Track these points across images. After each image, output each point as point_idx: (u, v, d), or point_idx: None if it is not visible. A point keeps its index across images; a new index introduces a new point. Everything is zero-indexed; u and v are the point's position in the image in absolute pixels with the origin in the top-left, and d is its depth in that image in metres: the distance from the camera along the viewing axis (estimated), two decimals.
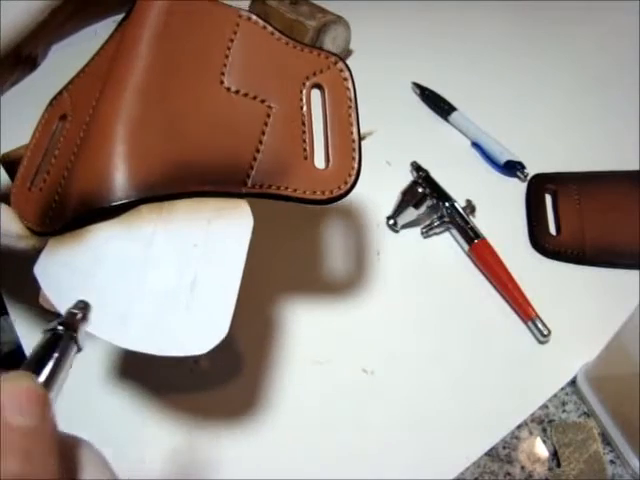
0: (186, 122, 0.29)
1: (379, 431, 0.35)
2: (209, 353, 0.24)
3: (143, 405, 0.36)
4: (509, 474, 0.33)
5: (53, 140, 0.31)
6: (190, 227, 0.27)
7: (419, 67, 0.55)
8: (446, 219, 0.43)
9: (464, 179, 0.46)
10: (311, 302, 0.40)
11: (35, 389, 0.17)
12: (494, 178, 0.47)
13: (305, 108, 0.31)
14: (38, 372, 0.19)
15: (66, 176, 0.29)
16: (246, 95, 0.30)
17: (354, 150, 0.30)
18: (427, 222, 0.43)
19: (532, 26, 0.60)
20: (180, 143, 0.28)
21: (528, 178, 0.46)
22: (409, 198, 0.43)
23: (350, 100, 0.31)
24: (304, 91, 0.31)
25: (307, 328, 0.39)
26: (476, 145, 0.49)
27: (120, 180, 0.27)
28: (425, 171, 0.45)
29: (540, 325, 0.37)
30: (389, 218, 0.43)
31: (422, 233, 0.43)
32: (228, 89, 0.30)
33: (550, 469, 0.33)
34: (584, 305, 0.39)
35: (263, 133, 0.30)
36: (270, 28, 0.32)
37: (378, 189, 0.45)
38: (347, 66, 0.32)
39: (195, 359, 0.38)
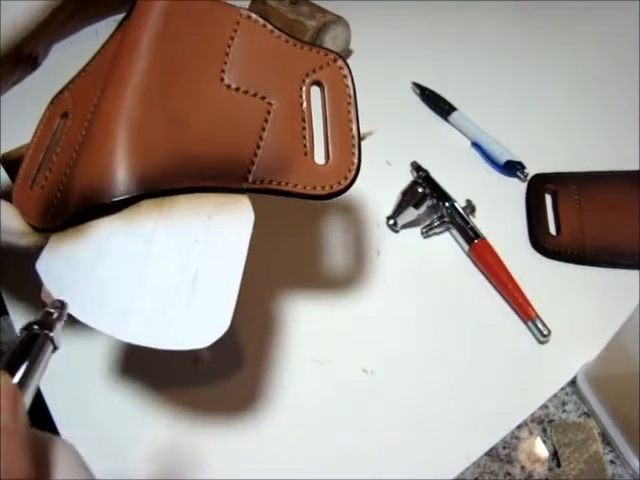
0: (187, 119, 0.29)
1: (379, 431, 0.35)
2: (210, 349, 0.25)
3: (143, 401, 0.36)
4: (509, 474, 0.33)
5: (55, 138, 0.32)
6: (191, 222, 0.27)
7: (419, 67, 0.55)
8: (446, 219, 0.43)
9: (464, 179, 0.46)
10: (311, 301, 0.40)
11: (8, 388, 0.17)
12: (494, 178, 0.47)
13: (305, 105, 0.31)
14: (13, 371, 0.19)
15: (68, 173, 0.29)
16: (246, 92, 0.31)
17: (354, 146, 0.30)
18: (427, 222, 0.43)
19: (532, 26, 0.60)
20: (181, 139, 0.29)
21: (528, 178, 0.46)
22: (409, 198, 0.43)
23: (349, 97, 0.31)
24: (304, 88, 0.31)
25: (307, 327, 0.39)
26: (476, 145, 0.49)
27: (121, 176, 0.27)
28: (425, 171, 0.45)
29: (540, 325, 0.37)
30: (389, 218, 0.43)
31: (422, 233, 0.43)
32: (229, 86, 0.30)
33: (550, 469, 0.33)
34: (584, 305, 0.39)
35: (263, 129, 0.30)
36: (270, 26, 0.32)
37: (378, 189, 0.45)
38: (346, 63, 0.32)
39: (195, 359, 0.38)
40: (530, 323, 0.38)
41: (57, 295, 0.26)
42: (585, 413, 0.35)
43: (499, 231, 0.42)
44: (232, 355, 0.38)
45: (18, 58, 0.30)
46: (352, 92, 0.32)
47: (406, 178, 0.45)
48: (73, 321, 0.25)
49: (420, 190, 0.43)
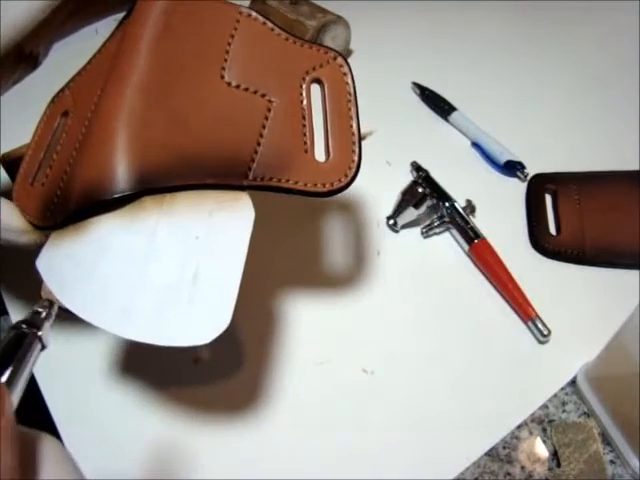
0: (188, 117, 0.29)
1: (379, 431, 0.35)
2: (210, 347, 0.25)
3: (144, 400, 0.36)
4: (509, 474, 0.33)
5: (55, 136, 0.32)
6: (192, 219, 0.27)
7: (419, 67, 0.55)
8: (446, 219, 0.43)
9: (464, 179, 0.46)
10: (311, 301, 0.40)
11: None
12: (494, 178, 0.47)
13: (305, 102, 0.31)
14: (1, 370, 0.20)
15: (68, 171, 0.29)
16: (247, 90, 0.31)
17: (354, 143, 0.30)
18: (427, 222, 0.43)
19: (532, 26, 0.60)
20: (182, 137, 0.29)
21: (528, 178, 0.46)
22: (409, 198, 0.43)
23: (349, 94, 0.31)
24: (304, 85, 0.31)
25: (307, 327, 0.39)
26: (476, 145, 0.49)
27: (122, 172, 0.27)
28: (425, 171, 0.45)
29: (540, 325, 0.37)
30: (389, 218, 0.43)
31: (422, 233, 0.43)
32: (229, 84, 0.30)
33: (550, 469, 0.33)
34: (584, 305, 0.39)
35: (264, 127, 0.30)
36: (270, 24, 0.32)
37: (378, 189, 0.45)
38: (346, 61, 0.32)
39: (196, 359, 0.38)
40: (530, 323, 0.38)
41: (58, 293, 0.26)
42: (585, 413, 0.35)
43: (499, 231, 0.42)
44: (232, 355, 0.38)
45: (19, 57, 0.30)
46: (352, 90, 0.32)
47: (406, 178, 0.45)
48: (74, 319, 0.26)
49: (420, 190, 0.43)
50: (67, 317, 0.26)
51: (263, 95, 0.31)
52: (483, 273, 0.41)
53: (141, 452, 0.34)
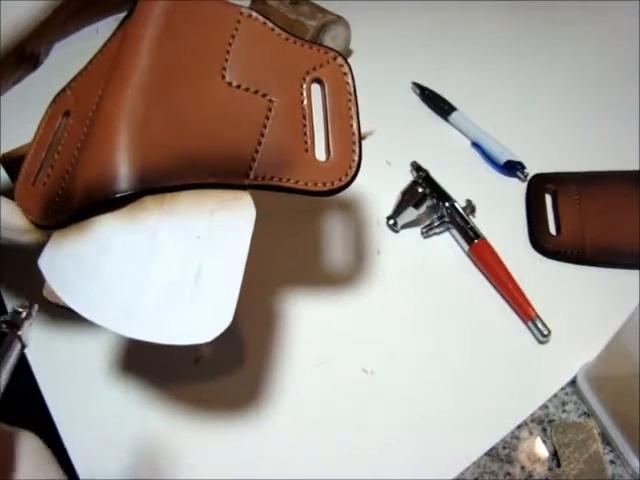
0: (189, 117, 0.29)
1: (379, 431, 0.35)
2: (211, 346, 0.25)
3: (144, 399, 0.36)
4: (509, 474, 0.33)
5: (56, 136, 0.32)
6: (193, 219, 0.28)
7: (419, 67, 0.55)
8: (446, 219, 0.43)
9: (464, 179, 0.46)
10: (312, 301, 0.40)
11: None
12: (494, 178, 0.47)
13: (306, 102, 0.31)
14: None
15: (70, 170, 0.29)
16: (247, 89, 0.31)
17: (354, 143, 0.30)
18: (427, 222, 0.43)
19: (533, 27, 0.60)
20: (183, 136, 0.29)
21: (528, 178, 0.46)
22: (409, 198, 0.43)
23: (350, 94, 0.32)
24: (304, 85, 0.32)
25: (308, 326, 0.39)
26: (476, 145, 0.49)
27: (124, 172, 0.27)
28: (425, 171, 0.45)
29: (540, 325, 0.37)
30: (389, 218, 0.43)
31: (422, 233, 0.43)
32: (230, 84, 0.31)
33: (550, 469, 0.33)
34: (584, 305, 0.39)
35: (265, 126, 0.30)
36: (270, 24, 0.32)
37: (378, 189, 0.45)
38: (346, 61, 0.32)
39: (197, 358, 0.38)
40: (530, 323, 0.38)
41: (60, 291, 0.27)
42: (585, 413, 0.35)
43: (499, 231, 0.42)
44: (233, 354, 0.38)
45: (20, 57, 0.30)
46: (352, 89, 0.32)
47: (406, 178, 0.45)
48: (76, 318, 0.26)
49: (420, 190, 0.43)
50: (69, 316, 0.26)
51: (264, 95, 0.31)
52: (483, 273, 0.41)
53: (141, 451, 0.34)
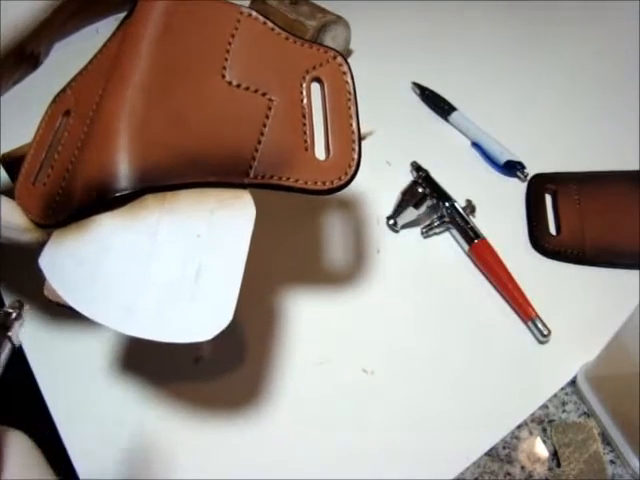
0: (189, 116, 0.29)
1: (379, 431, 0.35)
2: (211, 345, 0.25)
3: (144, 398, 0.36)
4: (509, 474, 0.33)
5: (57, 136, 0.32)
6: (193, 218, 0.28)
7: (419, 67, 0.55)
8: (446, 219, 0.43)
9: (464, 179, 0.46)
10: (311, 300, 0.40)
11: None
12: (494, 178, 0.47)
13: (305, 101, 0.31)
14: None
15: (70, 169, 0.29)
16: (247, 89, 0.31)
17: (354, 142, 0.31)
18: (427, 222, 0.43)
19: (533, 27, 0.60)
20: (183, 136, 0.29)
21: (528, 178, 0.46)
22: (409, 198, 0.43)
23: (349, 93, 0.32)
24: (304, 84, 0.32)
25: (308, 326, 0.39)
26: (476, 145, 0.49)
27: (124, 171, 0.27)
28: (425, 171, 0.45)
29: (540, 325, 0.37)
30: (389, 218, 0.43)
31: (422, 233, 0.43)
32: (230, 83, 0.31)
33: (550, 469, 0.33)
34: (584, 305, 0.39)
35: (265, 125, 0.30)
36: (270, 24, 0.32)
37: (378, 189, 0.45)
38: (346, 60, 0.32)
39: (197, 358, 0.38)
40: (530, 323, 0.38)
41: (61, 290, 0.27)
42: (585, 413, 0.35)
43: (499, 231, 0.42)
44: (233, 352, 0.38)
45: (20, 57, 0.30)
46: (352, 89, 0.32)
47: (406, 178, 0.45)
48: (76, 317, 0.26)
49: (420, 190, 0.43)
50: (69, 315, 0.26)
51: (264, 94, 0.31)
52: (483, 273, 0.41)
53: (141, 450, 0.34)
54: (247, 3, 0.56)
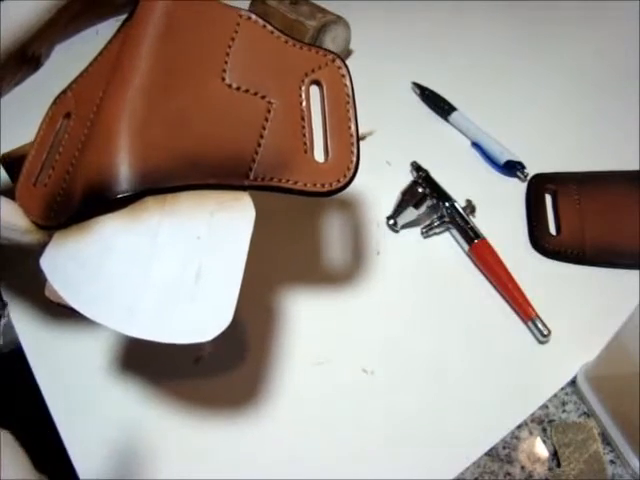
0: (189, 118, 0.29)
1: (379, 431, 0.35)
2: (211, 345, 0.25)
3: (144, 398, 0.37)
4: (509, 474, 0.33)
5: (57, 137, 0.32)
6: (193, 219, 0.28)
7: (419, 67, 0.55)
8: (446, 219, 0.43)
9: (464, 179, 0.46)
10: (311, 300, 0.40)
11: None
12: (494, 178, 0.47)
13: (304, 104, 0.32)
14: None
15: (71, 171, 0.29)
16: (247, 91, 0.31)
17: (352, 144, 0.31)
18: (427, 222, 0.43)
19: (533, 27, 0.60)
20: (183, 138, 0.29)
21: (528, 178, 0.46)
22: (409, 198, 0.43)
23: (348, 96, 0.32)
24: (303, 87, 0.32)
25: (308, 326, 0.39)
26: (476, 145, 0.49)
27: (125, 173, 0.27)
28: (425, 171, 0.45)
29: (540, 325, 0.37)
30: (389, 218, 0.43)
31: (422, 233, 0.43)
32: (229, 86, 0.31)
33: (550, 469, 0.33)
34: (584, 305, 0.39)
35: (264, 128, 0.30)
36: (270, 27, 0.33)
37: (378, 189, 0.45)
38: (345, 63, 0.33)
39: (197, 358, 0.38)
40: (530, 323, 0.38)
41: (62, 291, 0.27)
42: (585, 413, 0.35)
43: (499, 231, 0.42)
44: (232, 353, 0.38)
45: (21, 59, 0.30)
46: (350, 91, 0.32)
47: (406, 178, 0.45)
48: (77, 318, 0.26)
49: (420, 190, 0.43)
50: (70, 315, 0.26)
51: (263, 97, 0.31)
52: (483, 273, 0.41)
53: (141, 450, 0.34)
54: (247, 3, 0.56)
